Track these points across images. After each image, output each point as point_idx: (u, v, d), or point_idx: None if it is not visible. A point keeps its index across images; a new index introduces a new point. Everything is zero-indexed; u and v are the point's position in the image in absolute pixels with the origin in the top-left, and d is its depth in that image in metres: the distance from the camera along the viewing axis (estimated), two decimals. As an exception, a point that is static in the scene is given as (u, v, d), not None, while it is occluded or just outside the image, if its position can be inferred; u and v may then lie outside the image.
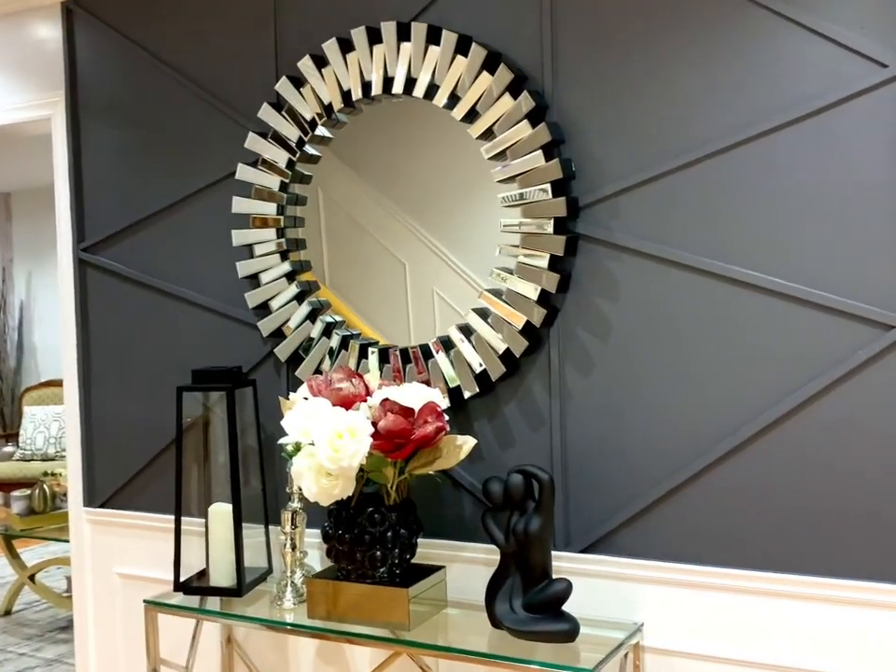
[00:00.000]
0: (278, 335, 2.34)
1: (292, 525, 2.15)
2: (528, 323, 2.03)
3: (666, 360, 1.94)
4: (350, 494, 1.90)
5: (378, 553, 1.97)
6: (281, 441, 1.96)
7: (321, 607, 2.02)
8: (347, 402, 1.97)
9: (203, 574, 2.29)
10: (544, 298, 2.02)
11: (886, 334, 1.74)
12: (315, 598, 2.03)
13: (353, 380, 1.99)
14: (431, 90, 2.09)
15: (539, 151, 1.98)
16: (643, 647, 1.94)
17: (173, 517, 2.26)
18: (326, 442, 1.82)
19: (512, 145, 2.01)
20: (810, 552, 1.82)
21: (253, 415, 2.33)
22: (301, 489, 2.12)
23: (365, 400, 1.99)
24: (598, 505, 2.01)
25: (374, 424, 1.88)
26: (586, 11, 1.99)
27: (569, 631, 1.84)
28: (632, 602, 1.98)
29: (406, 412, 1.89)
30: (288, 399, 2.11)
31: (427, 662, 2.16)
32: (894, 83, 1.73)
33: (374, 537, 1.97)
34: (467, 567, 2.14)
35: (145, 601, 2.24)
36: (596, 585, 2.00)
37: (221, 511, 2.25)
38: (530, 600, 1.89)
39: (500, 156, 2.03)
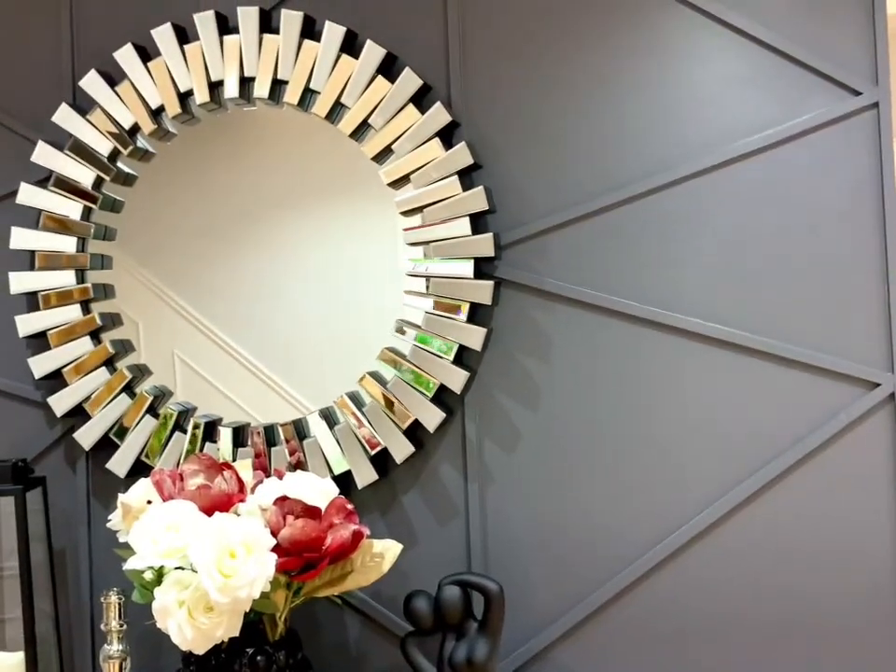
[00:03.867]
0: (76, 413, 1.73)
1: (120, 677, 1.55)
2: (440, 389, 1.61)
3: (607, 430, 1.61)
4: (236, 634, 1.36)
5: (264, 711, 1.44)
6: (129, 565, 1.37)
7: None
8: (221, 505, 1.43)
9: None
10: (457, 358, 1.62)
11: (869, 393, 1.53)
12: None
13: (224, 473, 1.46)
14: (307, 96, 1.64)
15: (455, 177, 1.59)
16: None
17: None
18: (213, 565, 1.28)
19: (419, 168, 1.60)
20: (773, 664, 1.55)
21: (41, 526, 1.69)
22: (114, 627, 1.55)
23: (243, 501, 1.46)
24: (530, 615, 1.62)
25: (273, 534, 1.37)
26: (496, 12, 1.65)
27: None
28: (578, 731, 1.60)
29: (312, 512, 1.39)
30: (120, 502, 1.53)
31: None
32: (864, 113, 1.55)
33: (260, 688, 1.44)
34: (355, 707, 1.66)
35: None
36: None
37: (6, 664, 1.59)
38: (478, 750, 1.45)
39: (401, 182, 1.62)
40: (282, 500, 1.40)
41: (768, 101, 1.56)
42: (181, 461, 1.68)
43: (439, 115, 1.60)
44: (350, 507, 1.45)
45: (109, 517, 1.57)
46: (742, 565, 1.55)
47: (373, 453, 1.63)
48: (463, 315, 1.59)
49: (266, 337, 1.71)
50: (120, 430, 1.71)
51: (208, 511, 1.41)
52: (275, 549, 1.35)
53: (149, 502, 1.47)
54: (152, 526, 1.36)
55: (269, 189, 1.70)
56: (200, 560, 1.28)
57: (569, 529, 1.62)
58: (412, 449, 1.62)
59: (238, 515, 1.42)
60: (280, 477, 1.53)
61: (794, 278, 1.55)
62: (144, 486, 1.54)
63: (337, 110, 1.63)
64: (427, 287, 1.61)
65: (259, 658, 1.45)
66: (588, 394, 1.62)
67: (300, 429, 1.67)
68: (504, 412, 1.64)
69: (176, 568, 1.34)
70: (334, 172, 1.68)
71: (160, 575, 1.35)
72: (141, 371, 1.73)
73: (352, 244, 1.68)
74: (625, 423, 1.60)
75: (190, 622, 1.31)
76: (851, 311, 1.53)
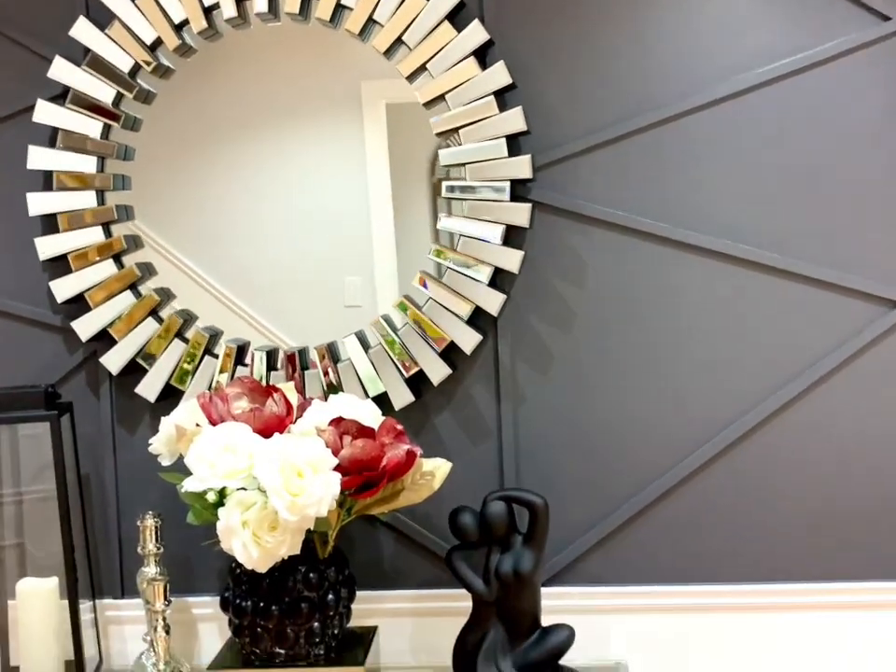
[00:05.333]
0: (98, 339, 1.70)
1: (165, 599, 1.55)
2: (475, 312, 1.63)
3: (640, 352, 1.65)
4: (297, 552, 1.38)
5: (317, 625, 1.47)
6: (188, 487, 1.37)
7: (235, 709, 1.47)
8: (273, 427, 1.44)
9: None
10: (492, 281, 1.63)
11: (892, 312, 1.59)
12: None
13: (274, 395, 1.46)
14: (338, 11, 1.61)
15: (492, 97, 1.59)
16: (639, 690, 1.64)
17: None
18: (281, 485, 1.29)
19: (456, 87, 1.59)
20: (803, 558, 1.63)
21: (69, 452, 1.67)
22: (151, 550, 1.56)
23: (293, 423, 1.47)
24: (561, 529, 1.67)
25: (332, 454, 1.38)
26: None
27: (579, 690, 1.49)
28: (608, 637, 1.67)
29: (367, 433, 1.41)
30: (174, 425, 1.51)
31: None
32: (893, 38, 1.58)
33: (313, 604, 1.47)
34: (390, 622, 1.69)
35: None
36: (566, 622, 1.66)
37: (40, 590, 1.58)
38: (524, 658, 1.51)
39: (437, 101, 1.61)
40: (338, 421, 1.41)
41: (798, 26, 1.58)
42: (212, 385, 1.67)
43: (475, 33, 1.58)
44: (400, 427, 1.47)
45: (150, 441, 1.56)
46: (769, 475, 1.62)
47: (408, 375, 1.64)
48: (497, 236, 1.60)
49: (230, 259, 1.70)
50: (147, 355, 1.68)
51: (261, 433, 1.42)
52: (335, 469, 1.36)
53: (197, 425, 1.46)
54: (209, 448, 1.36)
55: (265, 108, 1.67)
56: (268, 480, 1.29)
57: (600, 447, 1.67)
58: (448, 371, 1.63)
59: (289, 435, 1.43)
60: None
61: (822, 201, 1.59)
62: (185, 410, 1.54)
63: (369, 27, 1.60)
64: (463, 211, 1.61)
65: (311, 575, 1.47)
66: (620, 315, 1.65)
67: (333, 352, 1.67)
68: (537, 334, 1.67)
69: (238, 489, 1.35)
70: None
71: (221, 496, 1.35)
72: (167, 296, 1.71)
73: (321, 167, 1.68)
74: (657, 343, 1.64)
75: (255, 540, 1.32)
76: (877, 232, 1.58)
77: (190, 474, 1.39)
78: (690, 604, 1.65)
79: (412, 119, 1.64)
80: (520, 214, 1.59)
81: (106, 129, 1.67)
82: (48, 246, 1.67)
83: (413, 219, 1.69)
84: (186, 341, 1.68)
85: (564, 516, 1.66)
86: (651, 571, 1.66)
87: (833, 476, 1.61)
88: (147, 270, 1.70)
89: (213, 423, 1.44)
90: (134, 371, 1.70)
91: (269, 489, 1.29)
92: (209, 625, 1.74)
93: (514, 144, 1.62)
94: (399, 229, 1.69)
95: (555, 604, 1.63)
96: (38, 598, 1.58)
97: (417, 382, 1.67)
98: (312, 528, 1.40)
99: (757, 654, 1.64)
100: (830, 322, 1.60)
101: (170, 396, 1.70)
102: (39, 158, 1.66)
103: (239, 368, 1.68)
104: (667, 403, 1.64)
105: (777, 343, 1.61)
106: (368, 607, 1.67)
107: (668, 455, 1.65)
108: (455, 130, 1.60)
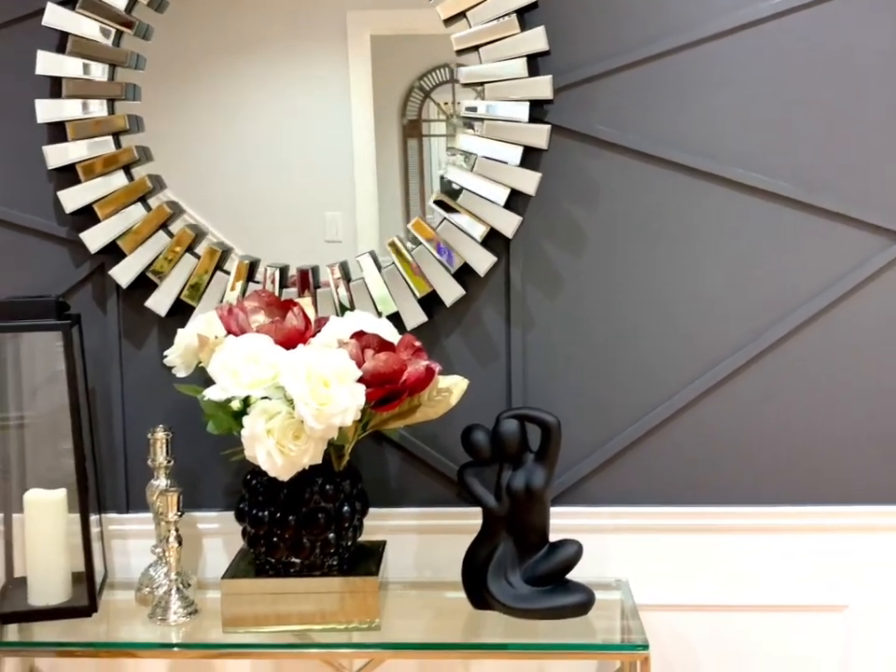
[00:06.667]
0: (108, 251, 1.68)
1: (178, 510, 1.56)
2: (488, 234, 1.64)
3: (650, 277, 1.68)
4: (319, 461, 1.39)
5: (332, 536, 1.49)
6: (210, 395, 1.38)
7: (248, 616, 1.49)
8: (293, 340, 1.44)
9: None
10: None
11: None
12: (235, 606, 1.49)
13: (293, 309, 1.46)
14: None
15: (514, 15, 1.58)
16: (638, 606, 1.68)
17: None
18: (307, 394, 1.30)
19: (477, 4, 1.58)
20: (798, 483, 1.69)
21: (79, 365, 1.65)
22: (161, 462, 1.57)
23: (312, 336, 1.47)
24: (565, 451, 1.69)
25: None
26: None
27: (586, 602, 1.53)
28: (608, 556, 1.72)
29: (389, 347, 1.42)
30: (197, 335, 1.50)
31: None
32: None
33: (329, 515, 1.48)
34: (394, 538, 1.72)
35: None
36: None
37: (49, 500, 1.58)
38: (533, 571, 1.54)
39: (457, 18, 1.60)
40: (360, 335, 1.42)
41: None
42: (222, 300, 1.66)
43: (498, -52, 1.56)
44: (418, 344, 1.48)
45: (165, 353, 1.56)
46: (769, 403, 1.67)
47: (421, 295, 1.65)
48: (516, 157, 1.60)
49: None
50: (157, 269, 1.67)
51: (282, 345, 1.42)
52: (358, 381, 1.37)
53: (216, 337, 1.46)
54: (233, 358, 1.36)
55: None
56: (294, 389, 1.30)
57: (605, 372, 1.69)
58: (462, 291, 1.64)
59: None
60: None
61: (834, 132, 1.61)
62: (201, 323, 1.53)
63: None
64: (482, 130, 1.61)
65: (328, 487, 1.49)
66: (632, 241, 1.67)
67: (346, 271, 1.67)
68: (548, 258, 1.68)
69: (262, 398, 1.35)
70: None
71: (244, 405, 1.36)
72: (178, 209, 1.69)
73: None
74: (667, 270, 1.66)
75: (279, 448, 1.33)
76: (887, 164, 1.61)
77: (202, 387, 1.40)
78: (688, 524, 1.70)
79: (395, 53, 1.63)
80: (539, 135, 1.59)
81: (118, 36, 1.63)
82: (56, 155, 1.64)
83: (390, 156, 1.69)
84: (197, 256, 1.67)
85: (568, 439, 1.68)
86: (651, 493, 1.70)
87: (832, 404, 1.66)
88: (158, 182, 1.68)
89: (234, 334, 1.44)
90: (141, 285, 1.69)
91: (296, 398, 1.30)
92: (213, 540, 1.76)
93: (532, 65, 1.62)
94: (381, 165, 1.68)
95: (558, 523, 1.66)
96: (47, 509, 1.58)
97: (429, 303, 1.67)
98: (334, 439, 1.41)
99: (752, 572, 1.69)
100: (837, 253, 1.63)
101: (177, 312, 1.69)
102: (48, 63, 1.62)
103: (250, 284, 1.67)
104: (674, 330, 1.67)
105: (786, 271, 1.64)
106: (373, 523, 1.69)
107: (673, 382, 1.68)
108: (476, 48, 1.59)
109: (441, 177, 1.64)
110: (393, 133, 1.70)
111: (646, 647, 1.43)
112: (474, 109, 1.60)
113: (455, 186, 1.62)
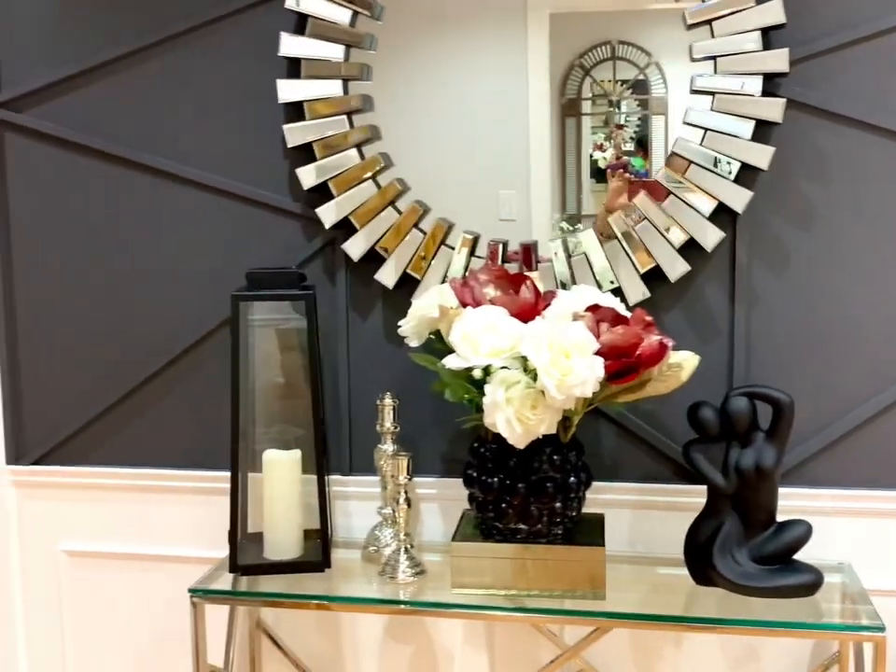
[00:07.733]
0: (339, 226, 1.76)
1: (408, 473, 1.63)
2: (715, 209, 1.62)
3: (880, 256, 1.62)
4: (554, 431, 1.42)
5: (559, 505, 1.52)
6: (450, 364, 1.43)
7: (475, 579, 1.54)
8: (527, 312, 1.47)
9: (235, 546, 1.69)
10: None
11: None
12: (464, 568, 1.54)
13: (526, 283, 1.50)
14: None
15: (750, -12, 1.55)
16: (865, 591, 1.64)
17: (149, 470, 1.89)
18: (550, 364, 1.33)
19: (712, -22, 1.56)
20: None
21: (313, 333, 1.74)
22: (389, 428, 1.63)
23: (544, 309, 1.50)
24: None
25: (592, 339, 1.41)
26: None
27: (815, 582, 1.51)
28: (833, 539, 1.68)
29: (623, 321, 1.43)
30: (438, 306, 1.55)
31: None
32: None
33: (557, 484, 1.52)
34: (609, 512, 1.73)
35: (191, 590, 1.63)
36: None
37: (286, 460, 1.68)
38: (760, 550, 1.53)
39: (691, -7, 1.58)
40: (595, 308, 1.43)
41: None
42: (446, 276, 1.71)
43: (735, -83, 1.54)
44: (649, 318, 1.49)
45: (399, 323, 1.62)
46: None
47: (644, 270, 1.65)
48: (747, 131, 1.58)
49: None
50: (383, 245, 1.73)
51: (516, 318, 1.45)
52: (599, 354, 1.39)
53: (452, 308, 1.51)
54: (473, 328, 1.40)
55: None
56: (537, 359, 1.33)
57: (832, 353, 1.65)
58: (687, 267, 1.64)
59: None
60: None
61: None
62: (433, 295, 1.59)
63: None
64: (713, 105, 1.59)
65: (556, 457, 1.52)
66: (862, 218, 1.62)
67: (567, 247, 1.69)
68: (776, 234, 1.65)
69: (501, 368, 1.39)
70: None
71: (484, 373, 1.40)
72: (405, 186, 1.75)
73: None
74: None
75: (518, 417, 1.37)
76: None
77: (432, 358, 1.46)
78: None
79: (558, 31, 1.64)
80: (773, 109, 1.57)
81: (354, 16, 1.69)
82: (296, 134, 1.73)
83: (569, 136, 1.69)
84: (422, 231, 1.72)
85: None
86: (876, 477, 1.66)
87: None
88: (390, 160, 1.74)
89: (469, 306, 1.49)
90: (368, 259, 1.75)
91: (539, 367, 1.33)
92: (430, 505, 1.82)
93: (765, 38, 1.59)
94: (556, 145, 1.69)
95: (779, 504, 1.64)
96: (284, 468, 1.68)
97: (648, 278, 1.67)
98: (571, 409, 1.44)
99: None
100: None
101: (402, 285, 1.75)
102: (290, 44, 1.70)
103: (472, 259, 1.71)
104: (910, 309, 1.62)
105: None
106: (588, 496, 1.71)
107: (904, 363, 1.63)
108: (709, 21, 1.57)
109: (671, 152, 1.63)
110: (552, 112, 1.70)
111: (882, 629, 1.40)
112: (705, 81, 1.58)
113: (683, 158, 1.61)
